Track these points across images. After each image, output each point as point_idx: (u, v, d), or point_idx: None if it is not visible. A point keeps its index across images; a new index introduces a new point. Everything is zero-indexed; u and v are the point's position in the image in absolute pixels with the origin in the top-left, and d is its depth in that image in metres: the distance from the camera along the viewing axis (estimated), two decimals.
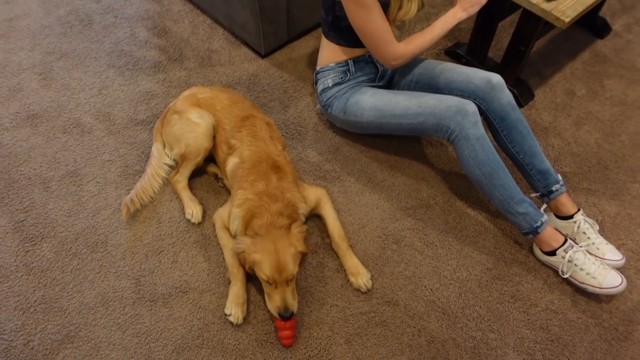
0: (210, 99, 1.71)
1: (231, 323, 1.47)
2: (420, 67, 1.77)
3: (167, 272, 1.58)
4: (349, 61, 1.72)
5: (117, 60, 2.13)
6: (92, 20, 2.29)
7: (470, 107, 1.56)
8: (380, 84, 1.81)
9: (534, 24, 1.79)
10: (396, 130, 1.70)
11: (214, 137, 1.69)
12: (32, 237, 1.63)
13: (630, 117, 2.04)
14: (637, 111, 2.06)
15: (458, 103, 1.56)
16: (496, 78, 1.62)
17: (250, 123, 1.62)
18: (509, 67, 2.00)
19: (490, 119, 1.66)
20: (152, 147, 1.78)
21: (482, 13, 1.99)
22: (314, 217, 1.68)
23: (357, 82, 1.75)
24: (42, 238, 1.63)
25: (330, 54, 1.74)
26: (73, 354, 1.42)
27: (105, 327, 1.47)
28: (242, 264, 1.46)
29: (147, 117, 1.95)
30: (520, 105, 2.03)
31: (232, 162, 1.60)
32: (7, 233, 1.64)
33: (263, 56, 2.15)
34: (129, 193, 1.69)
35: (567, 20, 1.62)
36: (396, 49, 1.58)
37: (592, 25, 2.35)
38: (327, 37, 1.72)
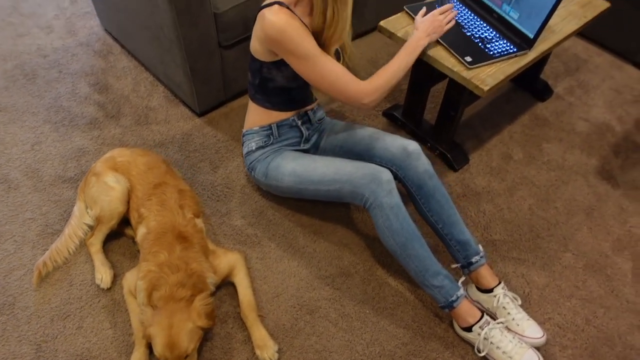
0: (128, 163, 1.69)
1: None
2: (344, 133, 1.76)
3: (70, 339, 1.52)
4: (272, 125, 1.72)
5: (54, 116, 2.13)
6: (37, 74, 2.31)
7: (385, 175, 1.54)
8: (305, 147, 1.80)
9: (460, 90, 1.79)
10: (316, 196, 1.67)
11: (129, 202, 1.67)
12: None
13: (566, 182, 2.02)
14: (574, 176, 2.05)
15: (373, 171, 1.54)
16: (412, 146, 1.61)
17: (161, 191, 1.60)
18: (441, 131, 2.00)
19: (408, 187, 1.64)
20: (75, 206, 1.75)
21: (413, 78, 2.01)
22: (228, 285, 1.64)
23: (280, 146, 1.74)
24: None
25: (255, 117, 1.74)
26: None
27: None
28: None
29: (75, 174, 1.93)
30: (454, 169, 2.01)
31: (140, 232, 1.58)
32: None
33: (199, 115, 2.15)
34: (44, 253, 1.65)
35: (486, 88, 1.62)
36: (361, 85, 1.54)
37: (533, 88, 2.36)
38: (253, 100, 1.72)
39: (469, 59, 1.68)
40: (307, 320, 1.59)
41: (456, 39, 1.75)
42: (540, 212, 1.92)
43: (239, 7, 1.88)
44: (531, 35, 1.73)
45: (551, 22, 1.89)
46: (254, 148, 1.74)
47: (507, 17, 1.80)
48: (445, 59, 1.70)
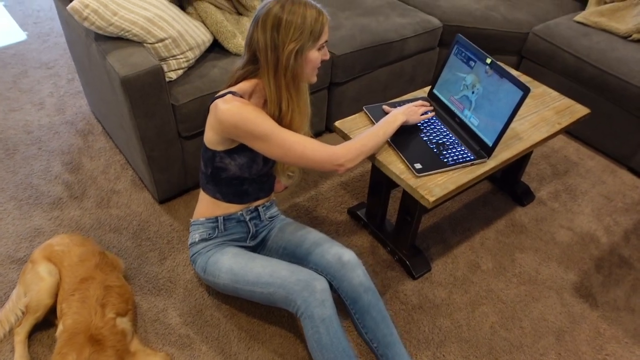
0: (63, 252, 1.66)
1: None
2: (291, 234, 1.69)
3: None
4: (219, 218, 1.66)
5: (21, 193, 2.16)
6: (17, 150, 2.37)
7: (320, 284, 1.44)
8: (252, 244, 1.73)
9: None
10: (251, 297, 1.58)
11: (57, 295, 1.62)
12: None
13: (537, 298, 1.86)
14: (546, 292, 1.88)
15: (308, 277, 1.45)
16: (347, 255, 1.52)
17: (85, 287, 1.55)
18: (401, 236, 1.90)
19: (343, 299, 1.53)
20: (14, 290, 1.71)
21: (372, 178, 1.94)
22: None
23: (224, 241, 1.68)
24: None
25: (203, 207, 1.70)
26: None
27: None
28: None
29: (25, 255, 1.91)
30: (413, 277, 1.89)
31: (59, 329, 1.51)
32: None
33: (160, 202, 2.13)
34: None
35: (431, 199, 1.53)
36: (333, 148, 1.49)
37: (513, 191, 2.25)
38: (205, 190, 1.68)
39: (418, 165, 1.61)
40: None
41: (410, 143, 1.69)
42: (504, 332, 1.75)
43: (198, 100, 1.89)
44: (490, 144, 1.66)
45: (520, 128, 1.83)
46: (197, 240, 1.68)
47: (468, 123, 1.74)
48: (393, 164, 1.64)
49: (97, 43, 1.85)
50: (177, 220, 2.06)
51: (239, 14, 2.36)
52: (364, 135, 1.58)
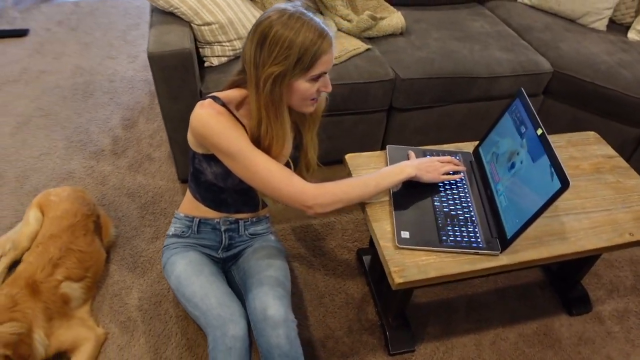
0: (54, 204, 1.72)
1: None
2: (254, 260, 1.54)
3: None
4: (195, 219, 1.59)
5: (75, 136, 2.31)
6: (93, 95, 2.54)
7: (235, 329, 1.29)
8: (221, 256, 1.62)
9: None
10: (188, 313, 1.48)
11: None
12: None
13: None
14: None
15: (228, 317, 1.31)
16: (273, 310, 1.32)
17: (50, 243, 1.59)
18: (390, 300, 1.63)
19: (259, 354, 1.35)
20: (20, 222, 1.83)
21: None
22: None
23: (194, 243, 1.59)
24: None
25: (186, 203, 1.63)
26: None
27: None
28: None
29: None
30: (388, 352, 1.62)
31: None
32: None
33: (182, 182, 2.12)
34: None
35: (398, 280, 1.24)
36: (305, 186, 1.30)
37: (565, 293, 1.81)
38: (189, 187, 1.62)
39: (405, 234, 1.34)
40: None
41: (412, 204, 1.42)
42: None
43: None
44: (508, 235, 1.32)
45: (573, 224, 1.44)
46: (170, 233, 1.62)
47: (496, 200, 1.41)
48: (380, 222, 1.38)
49: (152, 14, 1.86)
50: None
51: (318, 12, 2.20)
52: (351, 181, 1.35)
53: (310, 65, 1.18)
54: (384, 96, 2.02)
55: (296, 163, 1.49)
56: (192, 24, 1.82)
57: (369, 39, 2.19)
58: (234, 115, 1.31)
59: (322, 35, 1.17)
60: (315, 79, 1.22)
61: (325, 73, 1.23)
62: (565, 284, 1.83)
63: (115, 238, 1.89)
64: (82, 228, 1.69)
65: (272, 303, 1.34)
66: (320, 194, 1.30)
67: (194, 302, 1.40)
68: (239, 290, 1.54)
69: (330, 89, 1.28)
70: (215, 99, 1.31)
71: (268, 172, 1.28)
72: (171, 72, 1.71)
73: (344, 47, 2.04)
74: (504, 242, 1.32)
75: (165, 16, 1.83)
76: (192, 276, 1.47)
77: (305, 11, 1.17)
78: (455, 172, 1.50)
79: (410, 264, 1.29)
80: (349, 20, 2.18)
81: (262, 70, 1.19)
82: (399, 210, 1.40)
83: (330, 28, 1.20)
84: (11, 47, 2.89)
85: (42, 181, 2.09)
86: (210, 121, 1.27)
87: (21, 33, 2.99)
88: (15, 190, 2.04)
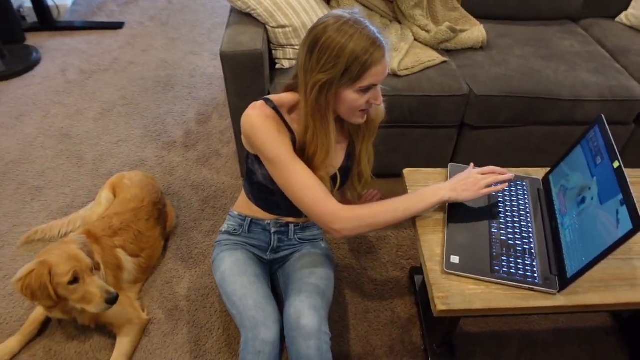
0: (125, 187, 1.82)
1: None
2: (299, 266, 1.52)
3: None
4: (247, 218, 1.61)
5: (152, 126, 2.43)
6: (174, 88, 2.66)
7: (267, 333, 1.29)
8: (269, 258, 1.62)
9: None
10: (228, 310, 1.50)
11: None
12: None
13: None
14: None
15: (261, 320, 1.31)
16: (307, 320, 1.29)
17: (115, 217, 1.70)
18: (437, 326, 1.56)
19: None
20: (93, 202, 1.95)
21: None
22: None
23: (244, 242, 1.61)
24: None
25: (240, 202, 1.66)
26: None
27: None
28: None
29: None
30: None
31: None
32: None
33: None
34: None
35: (440, 308, 1.18)
36: (335, 207, 1.27)
37: (636, 344, 1.63)
38: (243, 186, 1.65)
39: (454, 259, 1.27)
40: None
41: (466, 227, 1.34)
42: None
43: None
44: (569, 274, 1.21)
45: None
46: (223, 230, 1.66)
47: (561, 234, 1.30)
48: (430, 242, 1.32)
49: (230, 14, 1.91)
50: None
51: (395, 20, 2.16)
52: (381, 207, 1.28)
53: (359, 76, 1.14)
54: (455, 112, 1.94)
55: (347, 173, 1.46)
56: (267, 26, 1.85)
57: (446, 51, 2.11)
58: (284, 120, 1.31)
59: (375, 44, 1.12)
60: (365, 90, 1.18)
61: (376, 85, 1.19)
62: (637, 334, 1.65)
63: (175, 227, 1.96)
64: (146, 213, 1.77)
65: (306, 312, 1.32)
66: (348, 217, 1.25)
67: (232, 301, 1.41)
68: (282, 294, 1.54)
69: (380, 102, 1.24)
70: (267, 101, 1.32)
71: (303, 185, 1.27)
72: (241, 72, 1.75)
73: (418, 57, 1.98)
74: (564, 281, 1.21)
75: (242, 17, 1.87)
76: (235, 275, 1.48)
77: (361, 19, 1.14)
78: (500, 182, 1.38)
79: (455, 292, 1.22)
80: (427, 31, 2.12)
81: (310, 77, 1.18)
82: (451, 232, 1.33)
83: (386, 39, 1.15)
84: (106, 38, 3.11)
85: (117, 166, 2.22)
86: (256, 122, 1.27)
87: (117, 26, 3.21)
88: (91, 172, 2.18)
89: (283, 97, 1.35)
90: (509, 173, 1.35)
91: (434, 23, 2.18)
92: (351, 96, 1.18)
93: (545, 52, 2.10)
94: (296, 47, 1.87)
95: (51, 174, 2.17)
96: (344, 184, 1.49)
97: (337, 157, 1.42)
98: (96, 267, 1.50)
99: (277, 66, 1.91)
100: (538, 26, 2.34)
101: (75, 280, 1.40)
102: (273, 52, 1.91)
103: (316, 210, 1.27)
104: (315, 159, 1.31)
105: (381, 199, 1.72)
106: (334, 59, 1.12)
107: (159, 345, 1.61)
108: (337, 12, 1.17)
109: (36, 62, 2.85)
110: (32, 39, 3.06)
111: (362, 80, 1.15)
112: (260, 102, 1.31)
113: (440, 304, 1.20)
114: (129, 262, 1.67)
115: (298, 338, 1.29)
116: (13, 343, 1.56)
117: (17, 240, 1.88)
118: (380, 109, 1.39)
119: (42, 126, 2.42)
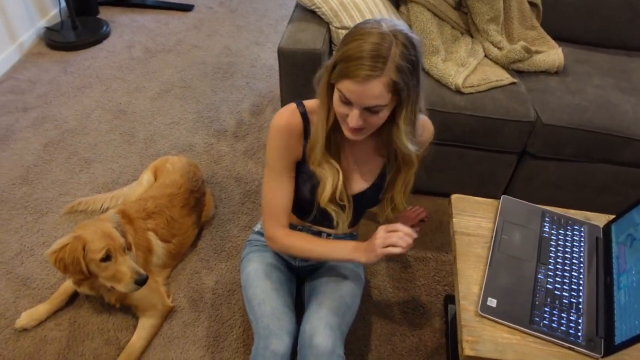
0: (166, 171, 1.82)
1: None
2: (326, 279, 1.47)
3: None
4: None
5: (206, 112, 2.43)
6: (233, 76, 2.65)
7: (278, 344, 1.25)
8: (297, 265, 1.58)
9: None
10: (247, 313, 1.48)
11: None
12: None
13: None
14: None
15: (275, 330, 1.28)
16: (320, 339, 1.23)
17: (151, 200, 1.71)
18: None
19: None
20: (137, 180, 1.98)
21: None
22: None
23: None
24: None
25: None
26: None
27: None
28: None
29: None
30: None
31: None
32: None
33: None
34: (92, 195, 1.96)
35: (468, 352, 1.10)
36: (276, 229, 1.35)
37: None
38: None
39: (491, 302, 1.17)
40: None
41: (511, 268, 1.24)
42: None
43: None
44: (617, 340, 1.09)
45: None
46: (256, 230, 1.63)
47: (614, 293, 1.18)
48: (467, 279, 1.23)
49: (295, 9, 1.87)
50: None
51: (467, 33, 2.05)
52: (305, 242, 1.35)
53: (338, 79, 1.06)
54: (518, 138, 1.82)
55: (375, 198, 1.37)
56: (330, 26, 1.79)
57: (517, 72, 1.98)
58: (309, 124, 1.27)
59: (361, 62, 1.01)
60: (344, 100, 1.08)
61: (352, 104, 1.07)
62: None
63: (212, 217, 1.95)
64: (181, 200, 1.76)
65: (322, 331, 1.27)
66: (283, 237, 1.35)
67: (252, 305, 1.39)
68: (305, 304, 1.49)
69: (353, 124, 1.10)
70: (299, 105, 1.27)
71: (268, 199, 1.34)
72: (297, 70, 1.71)
73: (486, 75, 1.87)
74: (610, 346, 1.09)
75: (307, 14, 1.82)
76: (259, 279, 1.46)
77: (385, 32, 1.03)
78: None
79: (487, 338, 1.13)
80: (499, 48, 1.99)
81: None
82: (493, 271, 1.23)
83: (383, 66, 1.02)
84: (175, 20, 3.15)
85: (165, 148, 2.24)
86: (272, 128, 1.28)
87: (187, 8, 3.25)
88: (140, 151, 2.21)
89: (315, 102, 1.29)
90: (414, 233, 1.18)
91: (508, 40, 2.05)
92: (336, 95, 1.10)
93: (626, 85, 1.92)
94: None
95: (102, 148, 2.22)
96: (363, 208, 1.43)
97: (354, 180, 1.35)
98: (128, 248, 1.51)
99: None
100: (622, 56, 2.16)
101: (107, 257, 1.41)
102: (334, 52, 1.85)
103: (265, 222, 1.37)
104: (312, 156, 1.26)
105: (426, 217, 1.64)
106: (338, 50, 1.08)
107: (179, 334, 1.60)
108: (386, 18, 1.10)
109: (105, 36, 2.92)
110: (105, 13, 3.15)
111: (339, 83, 1.07)
112: (292, 107, 1.27)
113: (468, 349, 1.11)
114: (159, 247, 1.67)
115: (309, 356, 1.25)
116: (41, 310, 1.60)
117: (60, 208, 1.93)
118: (426, 134, 1.31)
119: (101, 99, 2.48)
